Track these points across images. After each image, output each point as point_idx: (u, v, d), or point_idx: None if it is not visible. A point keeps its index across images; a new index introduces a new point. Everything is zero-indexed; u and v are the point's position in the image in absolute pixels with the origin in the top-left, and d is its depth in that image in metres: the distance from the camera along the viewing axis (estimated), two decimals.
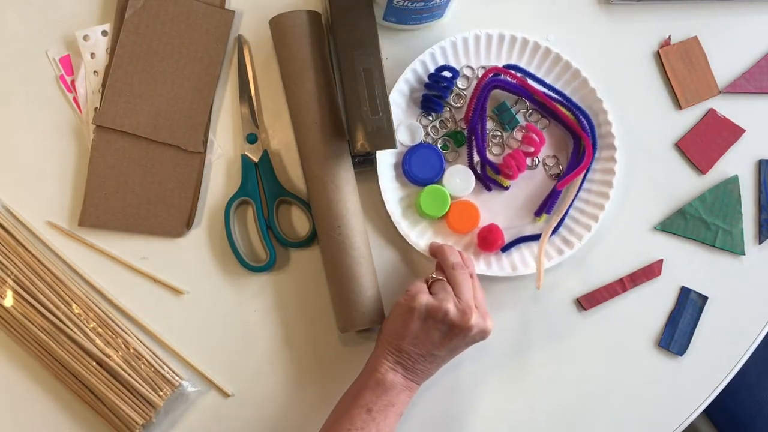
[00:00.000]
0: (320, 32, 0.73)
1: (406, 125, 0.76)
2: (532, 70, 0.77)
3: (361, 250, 0.71)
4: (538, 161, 0.77)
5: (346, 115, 0.71)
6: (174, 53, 0.75)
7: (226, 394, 0.74)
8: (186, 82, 0.75)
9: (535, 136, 0.74)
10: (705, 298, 0.77)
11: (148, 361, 0.72)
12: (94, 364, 0.71)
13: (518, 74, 0.75)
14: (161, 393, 0.72)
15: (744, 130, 0.79)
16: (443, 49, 0.76)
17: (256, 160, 0.75)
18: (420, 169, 0.75)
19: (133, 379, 0.71)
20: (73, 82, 0.76)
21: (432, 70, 0.76)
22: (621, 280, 0.77)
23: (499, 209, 0.77)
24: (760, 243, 0.78)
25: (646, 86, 0.80)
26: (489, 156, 0.77)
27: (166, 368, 0.72)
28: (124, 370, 0.71)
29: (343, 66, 0.71)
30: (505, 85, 0.75)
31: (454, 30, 0.78)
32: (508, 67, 0.76)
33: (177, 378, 0.73)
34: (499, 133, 0.77)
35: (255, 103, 0.76)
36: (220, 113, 0.77)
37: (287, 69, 0.73)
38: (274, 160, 0.76)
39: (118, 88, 0.74)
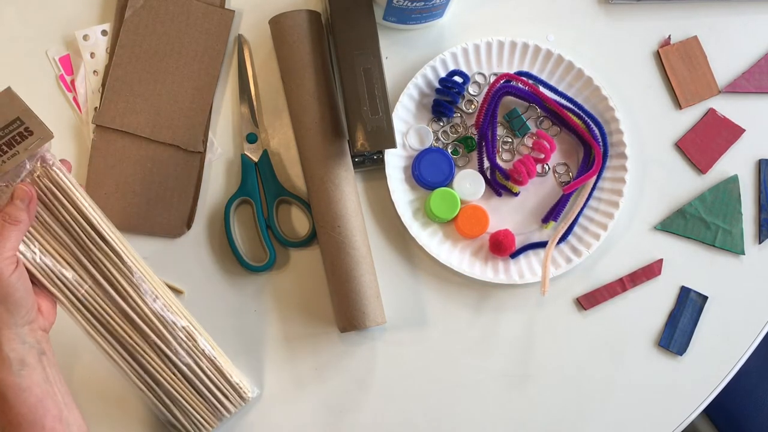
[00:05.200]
0: (320, 32, 0.73)
1: (416, 129, 0.76)
2: (543, 76, 0.76)
3: (361, 250, 0.71)
4: (549, 168, 0.77)
5: (346, 114, 0.71)
6: (174, 53, 0.75)
7: None
8: (186, 81, 0.75)
9: (545, 143, 0.74)
10: (705, 298, 0.77)
11: (220, 370, 0.69)
12: (175, 372, 0.68)
13: (530, 81, 0.75)
14: (231, 402, 0.70)
15: (744, 130, 0.79)
16: (454, 56, 0.75)
17: (256, 159, 0.75)
18: (429, 173, 0.75)
19: (207, 387, 0.69)
20: (72, 81, 0.76)
21: (442, 75, 0.75)
22: (621, 279, 0.77)
23: (509, 215, 0.77)
24: (760, 243, 0.78)
25: (645, 86, 0.79)
26: (499, 162, 0.77)
27: (234, 378, 0.70)
28: (201, 380, 0.68)
29: (343, 66, 0.71)
30: (517, 92, 0.75)
31: (454, 30, 0.78)
32: (520, 74, 0.76)
33: (245, 391, 0.70)
34: (510, 140, 0.77)
35: (255, 103, 0.76)
36: (220, 113, 0.77)
37: (287, 69, 0.73)
38: (274, 159, 0.76)
39: (117, 88, 0.74)
